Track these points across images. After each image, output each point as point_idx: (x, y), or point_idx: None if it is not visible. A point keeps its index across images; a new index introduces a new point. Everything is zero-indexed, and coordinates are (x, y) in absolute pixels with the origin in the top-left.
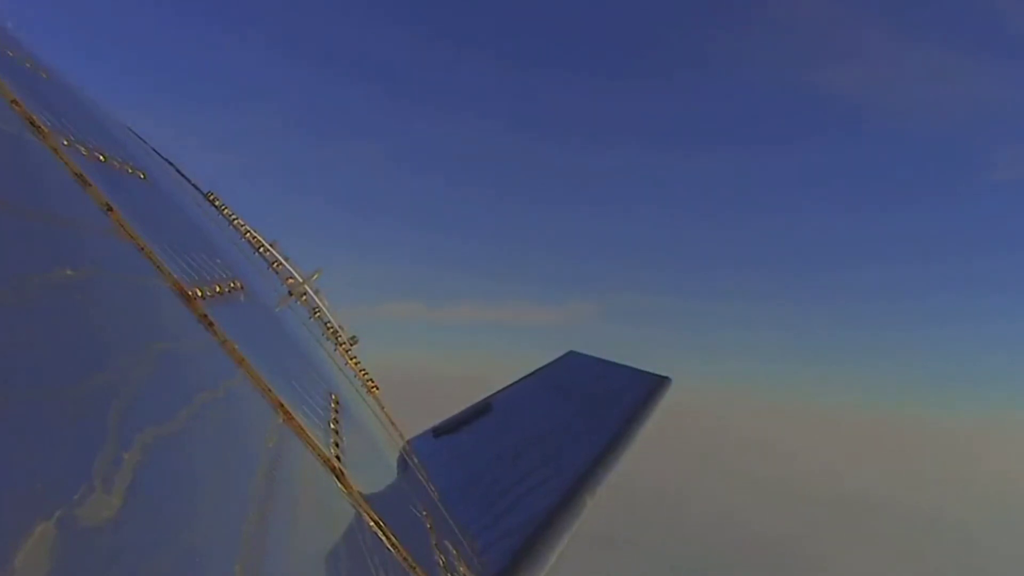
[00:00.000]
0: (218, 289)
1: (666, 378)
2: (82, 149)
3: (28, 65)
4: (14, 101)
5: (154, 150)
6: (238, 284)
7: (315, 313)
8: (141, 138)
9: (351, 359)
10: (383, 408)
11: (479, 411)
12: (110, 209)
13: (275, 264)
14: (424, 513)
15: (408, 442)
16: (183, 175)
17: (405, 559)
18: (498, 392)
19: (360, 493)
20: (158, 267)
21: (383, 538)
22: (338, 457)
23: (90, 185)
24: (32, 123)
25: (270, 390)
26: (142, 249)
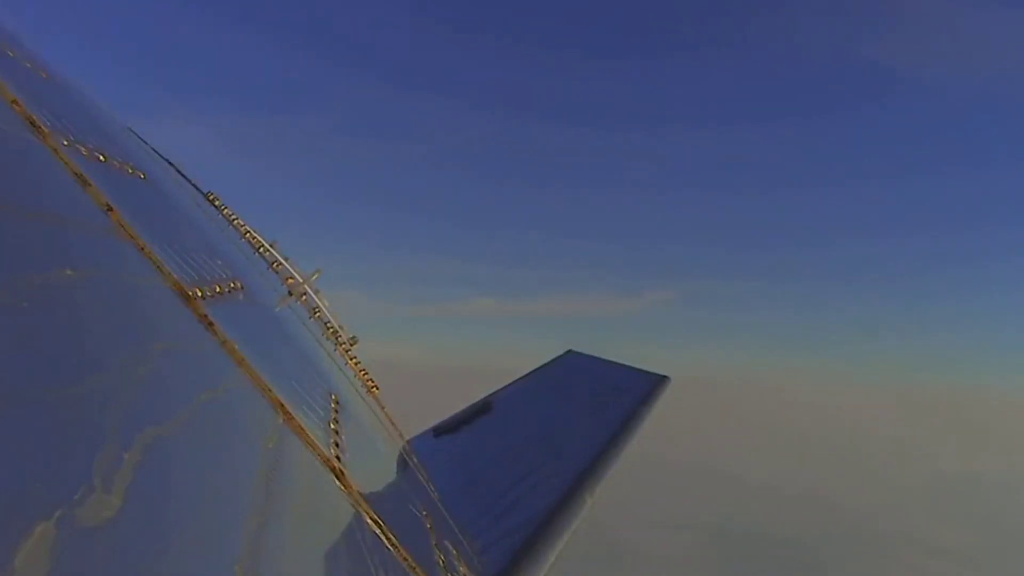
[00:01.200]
0: (218, 289)
1: (665, 377)
2: (82, 149)
3: (28, 65)
4: (14, 101)
5: (154, 150)
6: (238, 284)
7: (315, 313)
8: (141, 138)
9: (351, 359)
10: (383, 408)
11: (479, 410)
12: (110, 209)
13: (275, 264)
14: (424, 513)
15: (408, 442)
16: (183, 175)
17: (405, 559)
18: (498, 391)
19: (360, 493)
20: (158, 267)
21: (383, 538)
22: (338, 457)
23: (90, 185)
24: (32, 123)
25: (270, 390)
26: (142, 249)
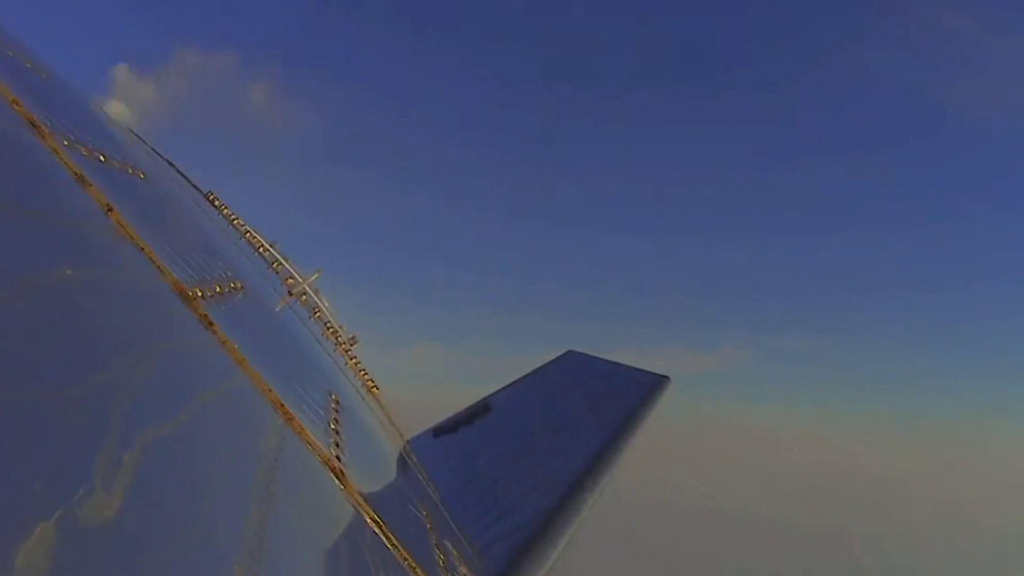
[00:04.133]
0: (218, 289)
1: (665, 377)
2: (82, 149)
3: (28, 65)
4: (14, 101)
5: (154, 150)
6: (238, 284)
7: (315, 313)
8: (141, 138)
9: (351, 359)
10: (383, 408)
11: (479, 411)
12: (110, 209)
13: (275, 264)
14: (424, 513)
15: (408, 442)
16: (183, 175)
17: (405, 559)
18: (497, 392)
19: (360, 493)
20: (158, 267)
21: (383, 538)
22: (338, 457)
23: (90, 185)
24: (32, 123)
25: (270, 390)
26: (142, 249)
